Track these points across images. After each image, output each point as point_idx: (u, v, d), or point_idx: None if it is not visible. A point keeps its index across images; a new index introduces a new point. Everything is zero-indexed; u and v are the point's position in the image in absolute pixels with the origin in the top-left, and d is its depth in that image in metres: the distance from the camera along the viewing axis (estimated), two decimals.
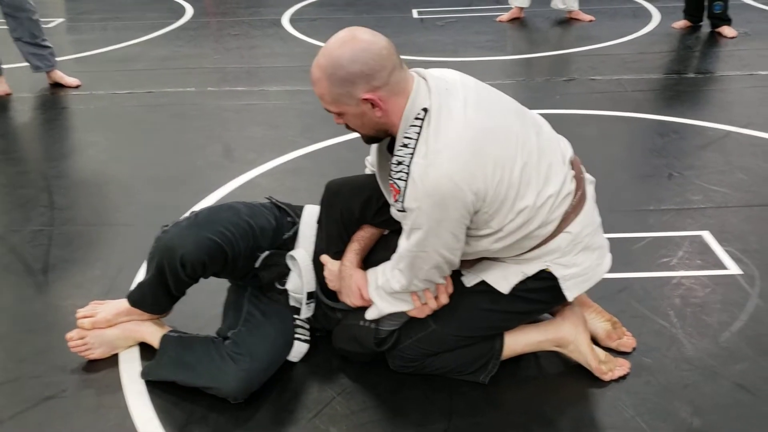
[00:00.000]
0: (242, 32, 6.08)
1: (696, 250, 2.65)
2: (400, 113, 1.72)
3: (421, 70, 1.82)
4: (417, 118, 1.70)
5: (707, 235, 2.74)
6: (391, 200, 1.78)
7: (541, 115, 2.03)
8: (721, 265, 2.56)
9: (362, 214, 2.05)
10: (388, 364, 2.06)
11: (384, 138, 1.85)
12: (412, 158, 1.68)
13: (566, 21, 6.07)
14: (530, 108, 2.01)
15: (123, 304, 2.20)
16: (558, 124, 2.00)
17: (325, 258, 2.07)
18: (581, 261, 1.87)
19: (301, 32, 5.96)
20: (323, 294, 2.09)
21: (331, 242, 2.09)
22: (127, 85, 4.74)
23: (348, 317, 2.07)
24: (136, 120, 4.19)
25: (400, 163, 1.70)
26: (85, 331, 2.17)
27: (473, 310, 1.94)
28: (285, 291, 2.11)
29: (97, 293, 2.48)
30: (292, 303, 2.13)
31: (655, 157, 3.49)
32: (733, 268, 2.53)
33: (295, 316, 2.12)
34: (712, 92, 4.43)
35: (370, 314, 1.97)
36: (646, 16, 6.16)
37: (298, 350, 2.12)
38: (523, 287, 1.89)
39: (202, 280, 2.06)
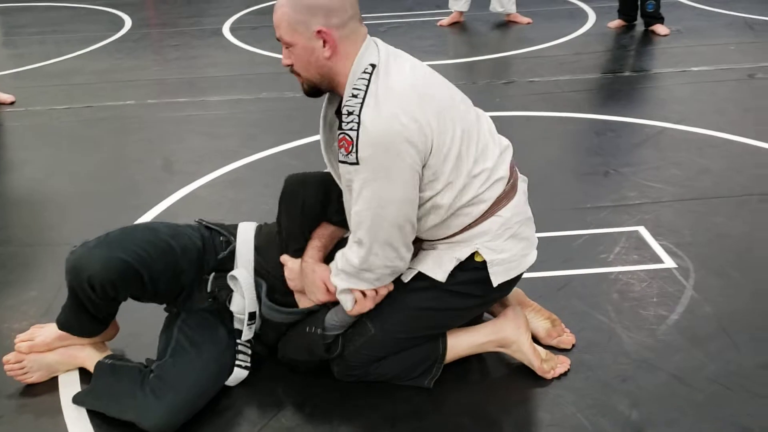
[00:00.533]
0: (183, 42, 6.02)
1: (632, 245, 2.71)
2: (347, 64, 1.77)
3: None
4: (365, 72, 1.75)
5: (643, 230, 2.81)
6: (342, 156, 1.74)
7: None
8: (657, 259, 2.62)
9: (323, 208, 2.03)
10: (333, 374, 2.06)
11: (324, 91, 1.87)
12: (361, 107, 1.71)
13: (505, 24, 6.16)
14: None
15: (66, 340, 2.14)
16: (499, 126, 2.04)
17: (284, 258, 2.02)
18: (509, 248, 1.92)
19: (242, 41, 5.93)
20: (275, 302, 2.06)
21: (291, 239, 2.04)
22: (65, 100, 4.64)
23: (296, 326, 2.06)
24: (74, 135, 4.11)
25: (350, 113, 1.71)
26: (22, 354, 2.11)
27: (411, 310, 1.95)
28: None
29: (34, 315, 2.42)
30: (237, 325, 2.08)
31: (593, 155, 3.57)
32: (668, 262, 2.60)
33: (238, 341, 2.07)
34: (647, 90, 4.55)
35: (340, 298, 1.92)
36: (582, 17, 6.30)
37: (237, 376, 2.06)
38: (455, 281, 1.91)
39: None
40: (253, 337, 2.09)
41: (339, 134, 1.74)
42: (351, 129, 1.70)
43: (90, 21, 6.87)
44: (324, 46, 1.75)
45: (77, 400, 2.03)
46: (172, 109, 4.44)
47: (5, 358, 2.11)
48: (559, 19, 6.23)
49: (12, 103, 4.59)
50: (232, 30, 6.28)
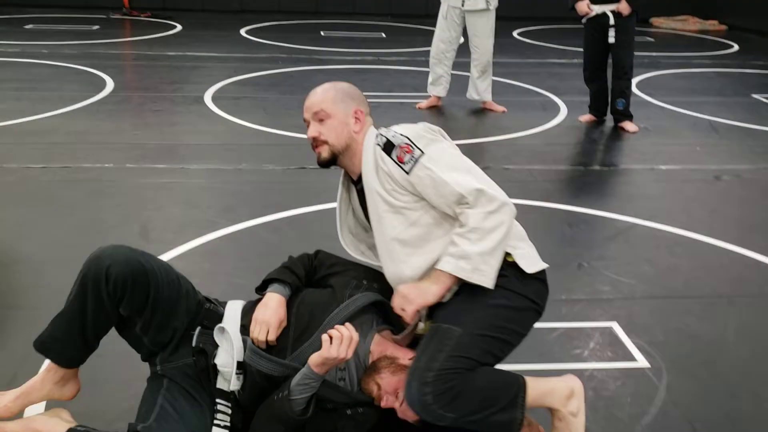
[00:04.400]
0: (164, 108, 6.06)
1: (606, 342, 2.75)
2: (362, 141, 2.22)
3: None
4: (376, 137, 2.19)
5: (616, 327, 2.86)
6: (408, 165, 2.08)
7: None
8: (630, 357, 2.66)
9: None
10: (420, 414, 1.95)
11: (335, 162, 2.25)
12: (394, 131, 2.15)
13: (481, 111, 6.35)
14: None
15: (26, 385, 2.12)
16: None
17: (401, 287, 2.11)
18: (524, 246, 2.18)
19: (224, 110, 5.99)
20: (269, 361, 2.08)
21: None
22: (42, 159, 4.61)
23: (265, 401, 2.03)
24: (50, 196, 4.06)
25: (393, 135, 2.13)
26: None
27: (485, 307, 2.04)
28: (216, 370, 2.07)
29: (0, 383, 2.34)
30: (220, 384, 2.08)
31: (566, 246, 3.65)
32: (641, 361, 2.64)
33: (218, 400, 2.07)
34: (617, 184, 4.70)
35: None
36: (555, 109, 6.52)
37: None
38: (503, 281, 2.07)
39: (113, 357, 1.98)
40: (232, 399, 2.08)
41: (396, 151, 2.10)
42: (402, 138, 2.12)
43: (70, 80, 6.88)
44: (355, 123, 2.21)
45: None
46: (151, 175, 4.44)
47: None
48: (533, 110, 6.44)
49: None
50: (214, 99, 6.35)
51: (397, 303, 2.09)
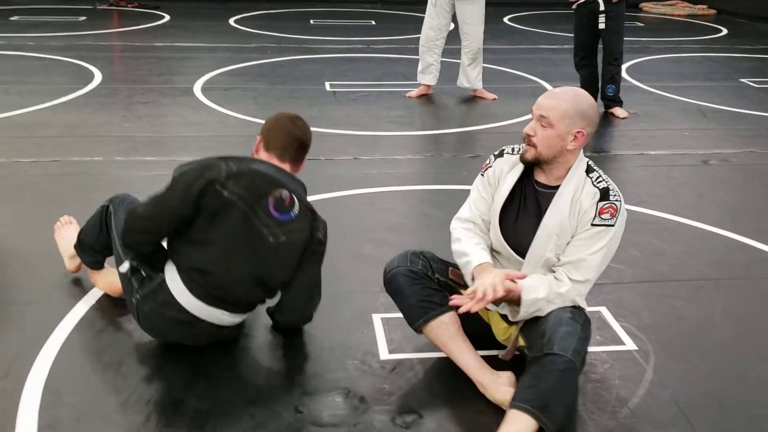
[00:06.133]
0: (153, 100, 6.05)
1: (596, 326, 2.77)
2: (572, 161, 2.32)
3: None
4: (588, 165, 2.36)
5: (605, 311, 2.89)
6: (604, 221, 2.28)
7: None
8: (618, 341, 2.70)
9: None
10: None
11: (538, 164, 2.33)
12: (614, 185, 2.32)
13: (471, 99, 6.36)
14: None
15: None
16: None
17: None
18: None
19: (214, 101, 5.98)
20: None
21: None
22: (32, 153, 4.61)
23: None
24: (40, 190, 4.06)
25: (611, 189, 2.30)
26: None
27: None
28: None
29: None
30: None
31: None
32: (629, 344, 2.67)
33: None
34: (607, 171, 4.62)
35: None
36: None
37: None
38: None
39: None
40: None
41: (605, 204, 2.26)
42: (617, 200, 2.28)
43: (59, 73, 6.85)
44: (573, 141, 2.25)
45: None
46: (141, 168, 4.44)
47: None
48: (524, 96, 6.45)
49: None
50: (204, 90, 6.34)
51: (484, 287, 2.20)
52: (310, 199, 2.54)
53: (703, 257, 3.42)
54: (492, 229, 2.41)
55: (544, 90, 6.67)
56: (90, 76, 6.74)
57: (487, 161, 2.49)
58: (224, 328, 2.50)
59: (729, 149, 5.12)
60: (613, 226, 2.28)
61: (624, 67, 7.05)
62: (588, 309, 2.41)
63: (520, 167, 2.38)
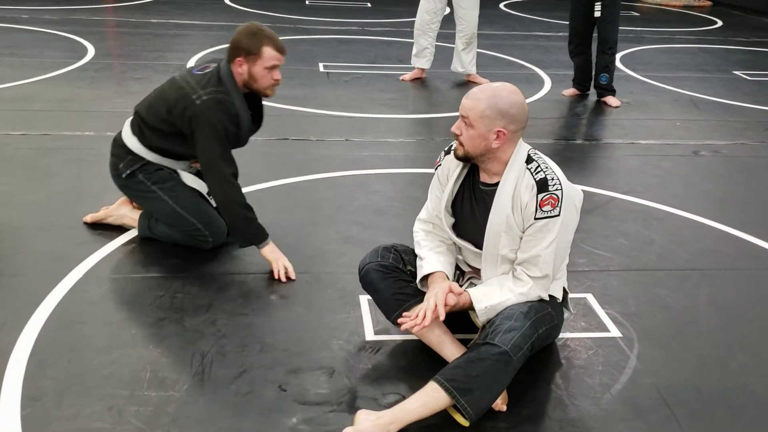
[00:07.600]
0: (145, 76, 6.00)
1: (581, 313, 2.81)
2: (507, 156, 2.28)
3: None
4: (530, 156, 2.29)
5: (591, 298, 2.92)
6: (544, 213, 2.23)
7: None
8: (603, 328, 2.72)
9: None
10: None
11: (469, 162, 2.34)
12: (554, 173, 2.24)
13: (465, 84, 6.35)
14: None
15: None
16: None
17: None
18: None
19: None
20: None
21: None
22: (22, 126, 4.58)
23: None
24: (30, 164, 4.04)
25: (549, 178, 2.22)
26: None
27: None
28: None
29: None
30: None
31: None
32: (613, 331, 2.70)
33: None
34: (598, 159, 4.74)
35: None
36: (539, 83, 6.54)
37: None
38: None
39: None
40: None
41: (544, 195, 2.21)
42: (557, 190, 2.22)
43: (51, 47, 6.79)
44: (496, 140, 2.22)
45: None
46: None
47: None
48: (517, 83, 6.30)
49: None
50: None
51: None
52: (298, 179, 2.55)
53: (690, 247, 3.44)
54: (446, 227, 2.45)
55: (538, 78, 6.70)
56: (83, 51, 6.69)
57: (438, 159, 2.49)
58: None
59: (720, 140, 5.14)
60: (558, 216, 2.25)
61: (618, 56, 7.06)
62: (573, 295, 2.42)
63: (467, 164, 2.40)
